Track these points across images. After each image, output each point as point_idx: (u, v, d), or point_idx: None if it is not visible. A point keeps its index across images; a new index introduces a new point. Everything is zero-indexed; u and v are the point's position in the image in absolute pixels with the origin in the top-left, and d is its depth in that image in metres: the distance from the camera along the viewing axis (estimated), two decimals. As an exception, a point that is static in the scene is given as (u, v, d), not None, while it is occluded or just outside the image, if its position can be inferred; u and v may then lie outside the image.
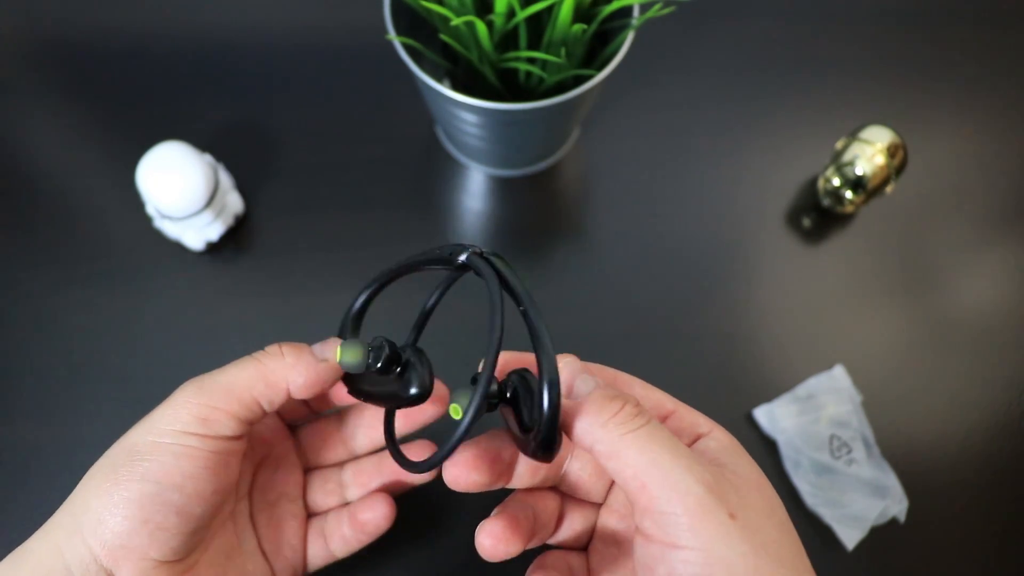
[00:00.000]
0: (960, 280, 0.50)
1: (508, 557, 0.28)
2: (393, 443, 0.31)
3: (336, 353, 0.30)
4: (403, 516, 0.36)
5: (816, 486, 0.43)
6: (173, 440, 0.28)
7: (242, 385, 0.29)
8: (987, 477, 0.45)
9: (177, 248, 0.50)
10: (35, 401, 0.46)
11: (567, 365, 0.28)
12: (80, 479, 0.28)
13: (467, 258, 0.27)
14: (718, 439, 0.28)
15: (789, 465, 0.44)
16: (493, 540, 0.27)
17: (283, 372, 0.30)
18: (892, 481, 0.43)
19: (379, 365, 0.29)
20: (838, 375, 0.46)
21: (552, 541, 0.32)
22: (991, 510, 0.44)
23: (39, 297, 0.49)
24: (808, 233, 0.51)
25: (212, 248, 0.50)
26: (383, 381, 0.30)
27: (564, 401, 0.26)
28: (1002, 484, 0.45)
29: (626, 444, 0.24)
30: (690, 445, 0.28)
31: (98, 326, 0.48)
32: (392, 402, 0.31)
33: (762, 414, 0.45)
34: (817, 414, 0.45)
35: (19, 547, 0.28)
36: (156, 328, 0.47)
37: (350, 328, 0.32)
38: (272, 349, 0.31)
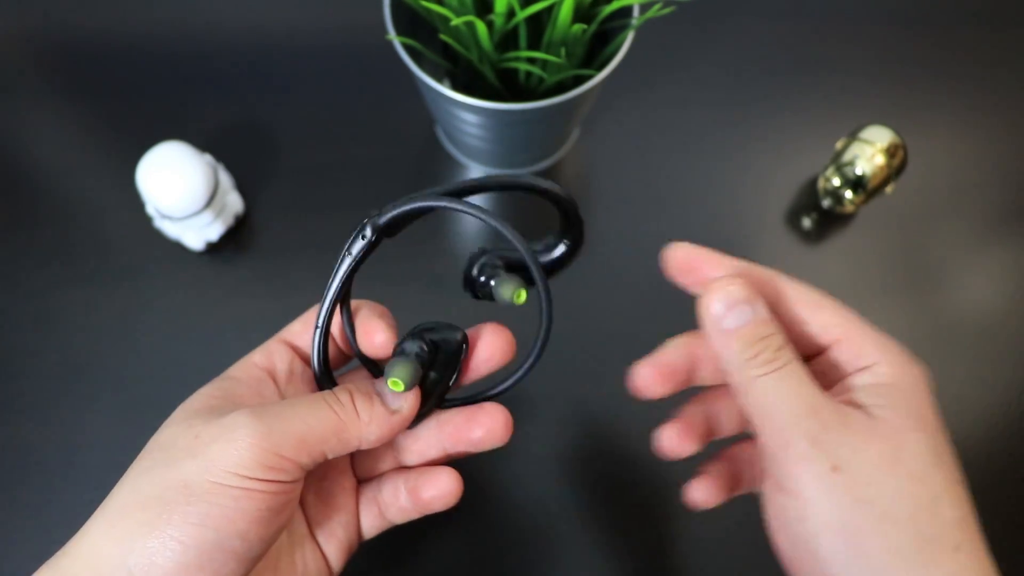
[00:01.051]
0: (960, 280, 0.50)
1: (683, 455, 0.30)
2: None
3: (396, 384, 0.28)
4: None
5: None
6: (236, 484, 0.25)
7: (315, 438, 0.27)
8: (987, 477, 0.45)
9: (177, 248, 0.50)
10: (35, 401, 0.46)
11: (727, 296, 0.27)
12: (78, 479, 0.28)
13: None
14: (877, 374, 0.27)
15: None
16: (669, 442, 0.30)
17: (358, 430, 0.28)
18: None
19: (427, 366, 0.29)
20: None
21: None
22: (991, 510, 0.44)
23: (39, 297, 0.49)
24: (808, 233, 0.51)
25: (212, 248, 0.50)
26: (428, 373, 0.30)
27: (713, 332, 0.27)
28: (1002, 484, 0.45)
29: (756, 387, 0.26)
30: (840, 380, 0.28)
31: (98, 326, 0.48)
32: (444, 382, 0.30)
33: None
34: None
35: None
36: (156, 328, 0.47)
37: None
38: (345, 399, 0.28)
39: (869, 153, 0.47)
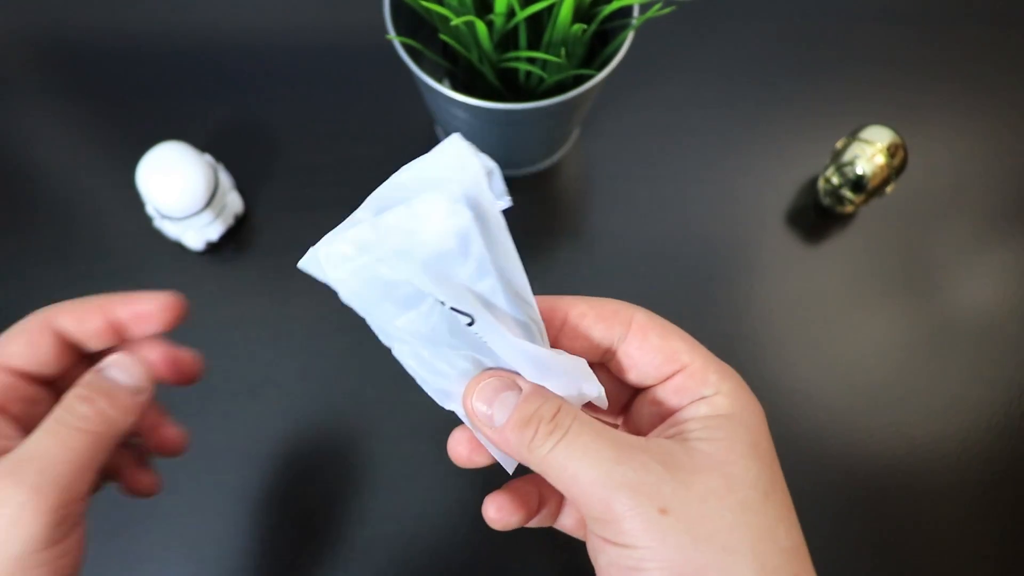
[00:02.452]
0: (960, 280, 0.50)
1: (511, 527, 0.28)
2: None
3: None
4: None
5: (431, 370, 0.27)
6: (36, 562, 0.24)
7: (84, 466, 0.25)
8: (987, 477, 0.45)
9: (177, 248, 0.50)
10: (35, 401, 0.46)
11: (479, 392, 0.26)
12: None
13: None
14: (715, 404, 0.26)
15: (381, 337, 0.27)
16: (500, 511, 0.28)
17: (114, 431, 0.26)
18: (564, 356, 0.27)
19: None
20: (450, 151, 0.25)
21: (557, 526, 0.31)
22: (991, 510, 0.44)
23: (39, 297, 0.48)
24: (808, 233, 0.51)
25: (212, 248, 0.50)
26: None
27: (488, 432, 0.26)
28: (1002, 484, 0.45)
29: (551, 463, 0.24)
30: (678, 409, 0.27)
31: (98, 326, 0.48)
32: None
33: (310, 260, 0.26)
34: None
35: None
36: (156, 328, 0.47)
37: None
38: (87, 410, 0.26)
39: (869, 153, 0.47)
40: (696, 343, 0.28)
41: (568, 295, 0.28)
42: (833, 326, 0.48)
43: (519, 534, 0.30)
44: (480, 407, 0.26)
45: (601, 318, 0.28)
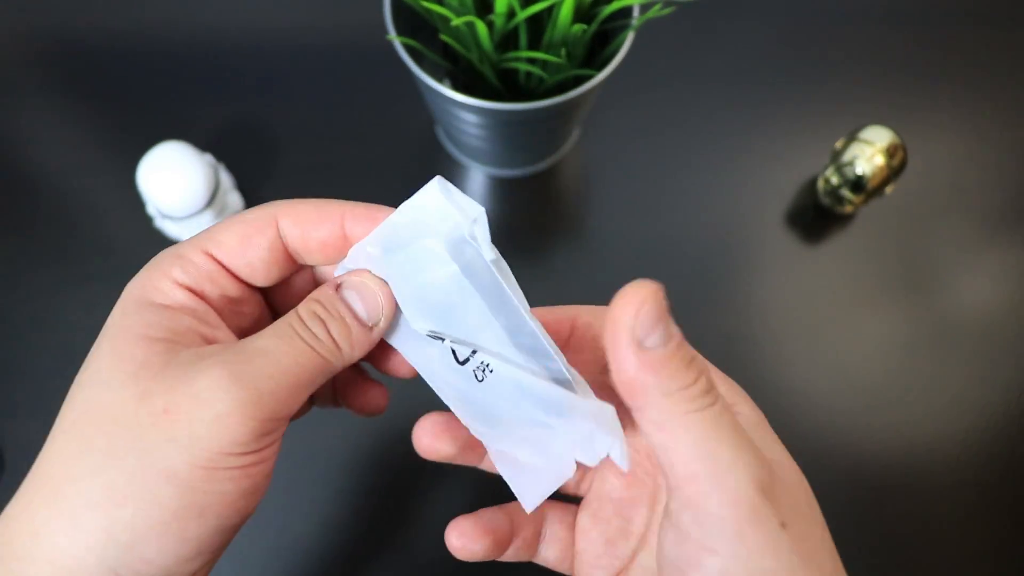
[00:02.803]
0: (960, 280, 0.50)
1: (475, 559, 0.27)
2: None
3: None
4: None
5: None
6: (230, 464, 0.22)
7: (303, 386, 0.23)
8: (987, 477, 0.45)
9: (177, 248, 0.50)
10: (35, 401, 0.46)
11: (651, 307, 0.21)
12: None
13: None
14: (745, 415, 0.25)
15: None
16: (462, 539, 0.26)
17: (340, 362, 0.24)
18: (581, 401, 0.25)
19: None
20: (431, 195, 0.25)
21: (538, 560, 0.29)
22: (991, 510, 0.44)
23: (39, 297, 0.49)
24: (808, 233, 0.51)
25: (212, 248, 0.50)
26: None
27: (626, 342, 0.21)
28: (1002, 484, 0.45)
29: (686, 425, 0.21)
30: None
31: (99, 326, 0.47)
32: None
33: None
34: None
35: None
36: (156, 328, 0.47)
37: None
38: (320, 331, 0.24)
39: (869, 153, 0.47)
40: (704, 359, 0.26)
41: (573, 304, 0.27)
42: (833, 326, 0.49)
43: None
44: (641, 321, 0.21)
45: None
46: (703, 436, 0.21)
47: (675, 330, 0.21)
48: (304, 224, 0.24)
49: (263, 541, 0.43)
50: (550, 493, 0.25)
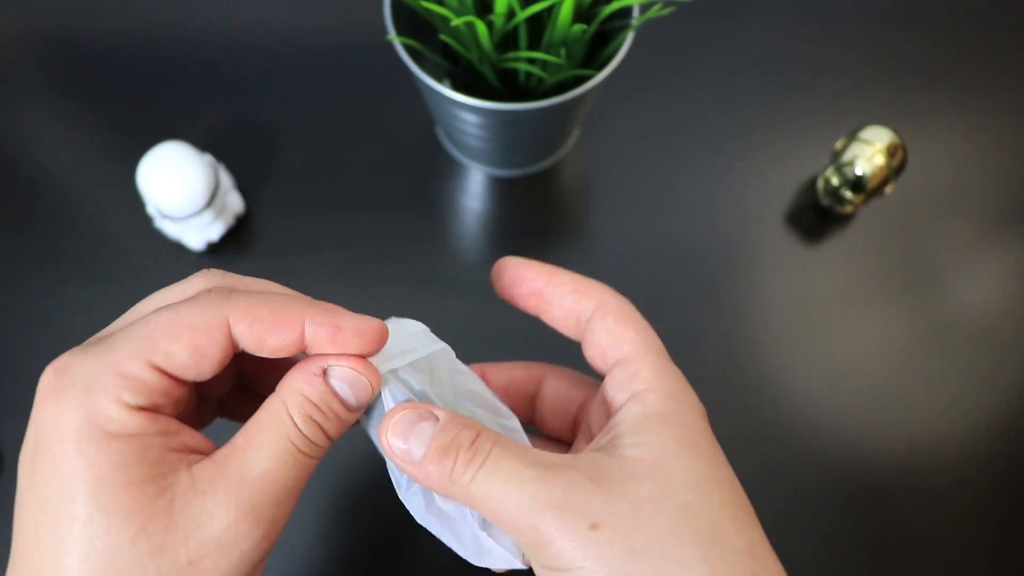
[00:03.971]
0: (960, 280, 0.50)
1: None
2: None
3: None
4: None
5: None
6: (235, 546, 0.22)
7: (298, 490, 0.24)
8: (987, 477, 0.45)
9: (178, 248, 0.50)
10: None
11: (393, 427, 0.24)
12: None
13: None
14: (646, 402, 0.25)
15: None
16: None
17: (330, 446, 0.25)
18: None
19: None
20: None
21: None
22: (991, 510, 0.44)
23: (39, 297, 0.49)
24: (808, 233, 0.51)
25: (213, 248, 0.50)
26: None
27: (410, 469, 0.24)
28: (1002, 484, 0.45)
29: (474, 492, 0.23)
30: (615, 412, 0.26)
31: (98, 326, 0.47)
32: None
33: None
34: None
35: None
36: (156, 328, 0.47)
37: None
38: (322, 441, 0.24)
39: (869, 153, 0.47)
40: (648, 340, 0.27)
41: (561, 268, 0.30)
42: (832, 326, 0.49)
43: None
44: (396, 443, 0.24)
45: (575, 290, 0.29)
46: (490, 491, 0.23)
47: (426, 429, 0.24)
48: (260, 331, 0.23)
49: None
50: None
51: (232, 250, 0.50)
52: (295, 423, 0.23)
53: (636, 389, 0.26)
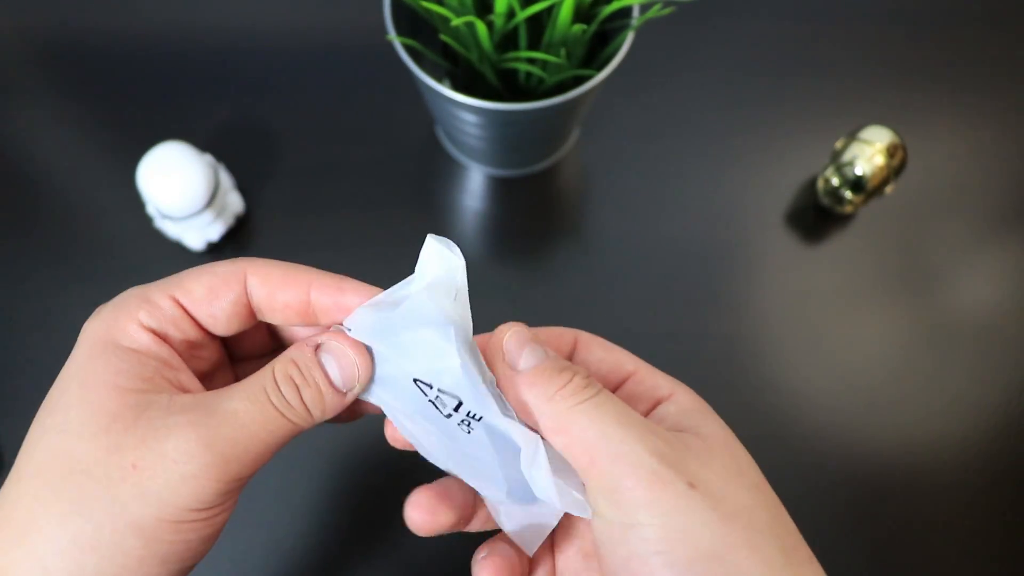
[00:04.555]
0: (960, 280, 0.50)
1: (439, 531, 0.26)
2: None
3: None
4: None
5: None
6: (194, 518, 0.23)
7: (271, 448, 0.24)
8: (987, 477, 0.45)
9: (178, 248, 0.50)
10: (36, 401, 0.45)
11: (515, 334, 0.25)
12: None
13: None
14: (679, 402, 0.26)
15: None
16: (421, 512, 0.26)
17: (309, 424, 0.25)
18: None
19: None
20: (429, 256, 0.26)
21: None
22: (991, 510, 0.44)
23: (40, 297, 0.49)
24: (808, 233, 0.51)
25: (213, 248, 0.50)
26: None
27: (509, 372, 0.25)
28: (1002, 484, 0.45)
29: (573, 417, 0.23)
30: (649, 410, 0.27)
31: (98, 326, 0.48)
32: None
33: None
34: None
35: None
36: (156, 328, 0.47)
37: None
38: (294, 399, 0.24)
39: (869, 153, 0.47)
40: (638, 358, 0.28)
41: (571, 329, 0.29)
42: (832, 326, 0.49)
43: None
44: (510, 345, 0.25)
45: (547, 341, 0.27)
46: (591, 422, 0.23)
47: (540, 350, 0.25)
48: (271, 285, 0.25)
49: (256, 540, 0.43)
50: (547, 535, 0.26)
51: (232, 250, 0.50)
52: (274, 376, 0.24)
53: (660, 396, 0.26)
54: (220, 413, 0.23)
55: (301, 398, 0.24)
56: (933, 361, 0.48)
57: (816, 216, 0.52)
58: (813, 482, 0.45)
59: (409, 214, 0.51)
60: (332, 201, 0.51)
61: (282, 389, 0.24)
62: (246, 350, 0.29)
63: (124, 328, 0.24)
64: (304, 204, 0.51)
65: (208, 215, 0.47)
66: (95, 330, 0.24)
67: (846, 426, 0.46)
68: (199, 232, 0.48)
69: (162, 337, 0.25)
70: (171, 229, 0.48)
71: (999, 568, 0.43)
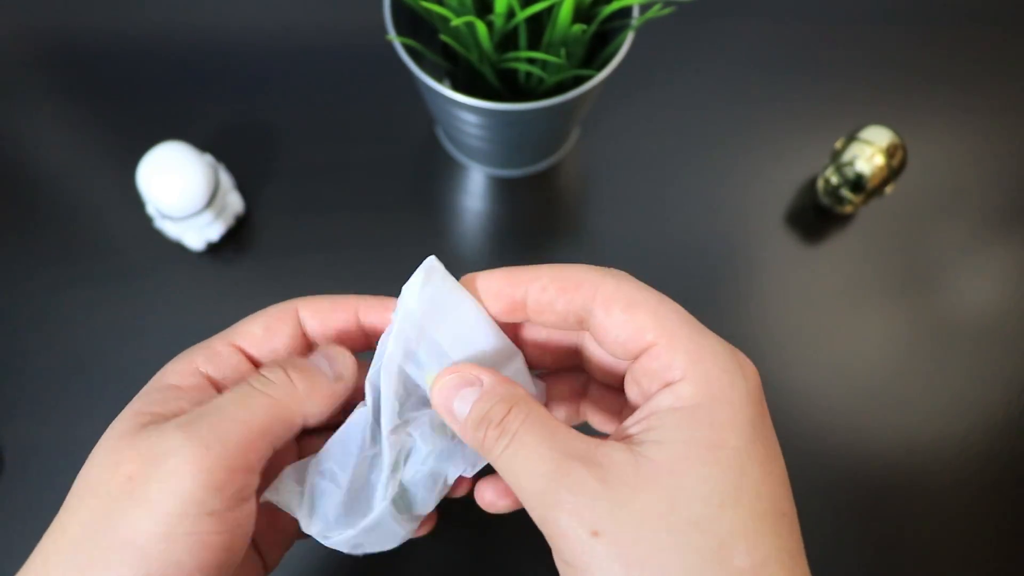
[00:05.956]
0: (959, 280, 0.50)
1: (501, 511, 0.29)
2: None
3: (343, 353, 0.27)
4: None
5: None
6: (189, 529, 0.22)
7: (257, 431, 0.24)
8: (987, 477, 0.45)
9: (178, 248, 0.50)
10: (35, 401, 0.46)
11: (442, 387, 0.25)
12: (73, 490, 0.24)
13: None
14: (680, 393, 0.23)
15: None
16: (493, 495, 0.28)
17: (299, 407, 0.25)
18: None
19: None
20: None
21: None
22: (991, 510, 0.44)
23: (39, 297, 0.49)
24: (807, 233, 0.51)
25: (213, 248, 0.50)
26: None
27: (456, 430, 0.26)
28: (1002, 484, 0.45)
29: (500, 468, 0.24)
30: (653, 394, 0.24)
31: (98, 326, 0.48)
32: None
33: None
34: None
35: None
36: (156, 328, 0.47)
37: None
38: (277, 377, 0.25)
39: (868, 153, 0.47)
40: (673, 318, 0.25)
41: (533, 265, 0.27)
42: (832, 326, 0.49)
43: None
44: (438, 397, 0.25)
45: (563, 291, 0.26)
46: (508, 474, 0.24)
47: (474, 394, 0.25)
48: (321, 314, 0.28)
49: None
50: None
51: (232, 250, 0.50)
52: (259, 370, 0.26)
53: (670, 379, 0.24)
54: (208, 409, 0.24)
55: (287, 373, 0.25)
56: (933, 361, 0.48)
57: (816, 216, 0.52)
58: (813, 482, 0.45)
59: (409, 214, 0.51)
60: (332, 201, 0.51)
61: (266, 372, 0.25)
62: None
63: (178, 370, 0.26)
64: (304, 204, 0.51)
65: (208, 215, 0.47)
66: (157, 376, 0.26)
67: (846, 426, 0.46)
68: (199, 232, 0.48)
69: (216, 384, 0.26)
70: (171, 229, 0.48)
71: (999, 568, 0.43)
